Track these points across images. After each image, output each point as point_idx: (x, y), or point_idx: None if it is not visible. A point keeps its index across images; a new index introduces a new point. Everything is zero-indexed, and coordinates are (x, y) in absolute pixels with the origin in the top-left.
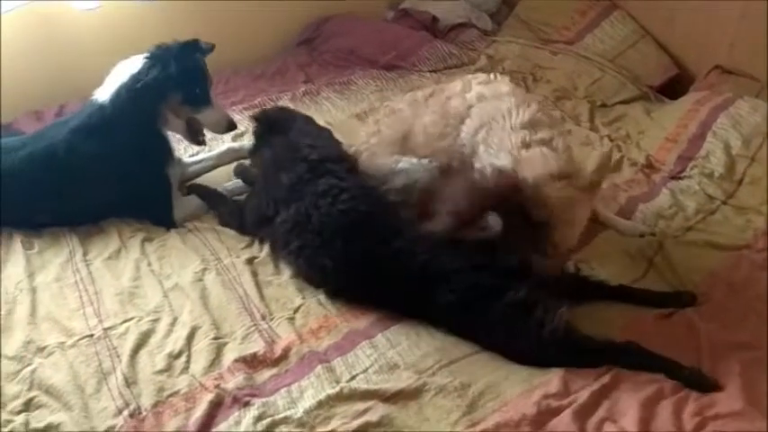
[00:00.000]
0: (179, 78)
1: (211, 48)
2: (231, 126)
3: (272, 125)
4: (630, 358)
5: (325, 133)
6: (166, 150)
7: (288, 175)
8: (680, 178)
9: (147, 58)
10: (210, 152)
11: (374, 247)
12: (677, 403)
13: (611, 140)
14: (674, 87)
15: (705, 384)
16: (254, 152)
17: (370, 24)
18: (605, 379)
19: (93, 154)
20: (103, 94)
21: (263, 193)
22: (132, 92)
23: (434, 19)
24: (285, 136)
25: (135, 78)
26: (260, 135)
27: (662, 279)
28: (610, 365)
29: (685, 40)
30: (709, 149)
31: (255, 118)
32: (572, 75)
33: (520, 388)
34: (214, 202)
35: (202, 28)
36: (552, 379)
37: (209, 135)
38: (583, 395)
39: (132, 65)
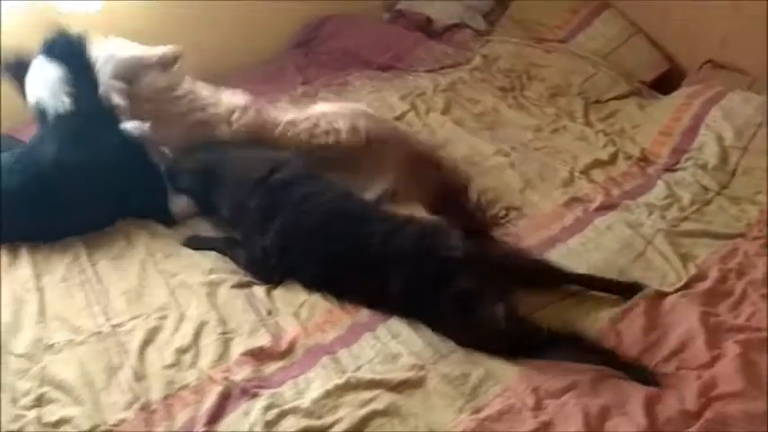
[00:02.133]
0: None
1: None
2: None
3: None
4: (574, 351)
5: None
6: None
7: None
8: (674, 170)
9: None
10: None
11: (348, 241)
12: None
13: (606, 135)
14: (666, 83)
15: (650, 381)
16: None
17: (367, 26)
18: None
19: (80, 164)
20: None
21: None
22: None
23: (429, 20)
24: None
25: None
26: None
27: (649, 268)
28: (553, 359)
29: (677, 35)
30: (703, 141)
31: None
32: (566, 72)
33: (518, 372)
34: (222, 248)
35: (201, 30)
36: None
37: None
38: (584, 379)
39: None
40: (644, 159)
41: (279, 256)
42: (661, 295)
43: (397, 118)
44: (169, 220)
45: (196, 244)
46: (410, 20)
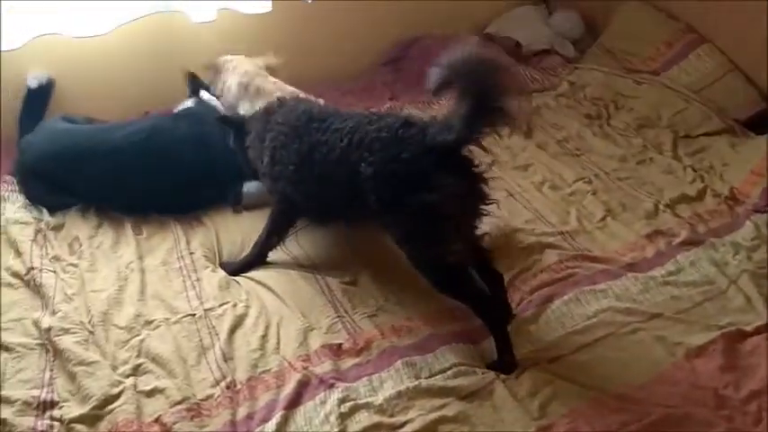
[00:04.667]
0: None
1: None
2: None
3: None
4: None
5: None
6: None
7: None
8: (764, 212)
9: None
10: None
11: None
12: None
13: (695, 171)
14: (761, 122)
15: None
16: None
17: (456, 47)
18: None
19: (185, 135)
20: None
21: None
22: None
23: (518, 44)
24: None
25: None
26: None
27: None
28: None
29: None
30: None
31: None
32: (656, 104)
33: (586, 396)
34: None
35: (296, 41)
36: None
37: None
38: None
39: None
40: (733, 198)
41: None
42: (742, 335)
43: None
44: (240, 204)
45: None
46: (498, 44)
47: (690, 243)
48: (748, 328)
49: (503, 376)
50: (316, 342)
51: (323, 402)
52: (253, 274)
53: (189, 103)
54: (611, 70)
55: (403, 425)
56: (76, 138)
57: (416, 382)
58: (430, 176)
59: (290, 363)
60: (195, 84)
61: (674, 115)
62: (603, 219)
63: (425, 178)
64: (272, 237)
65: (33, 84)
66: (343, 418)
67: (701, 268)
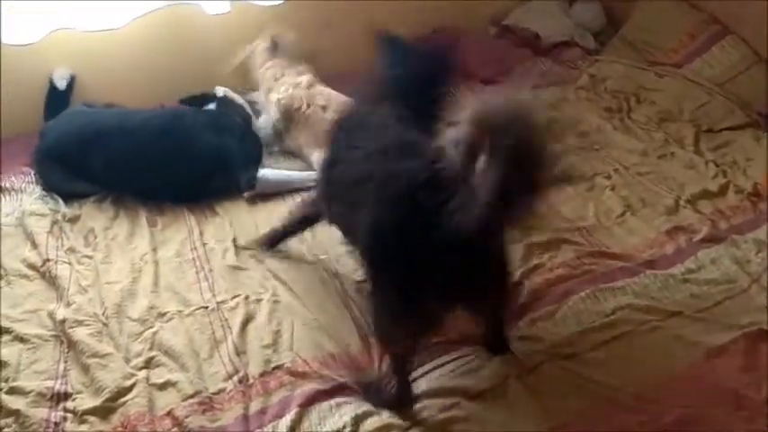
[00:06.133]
0: None
1: None
2: None
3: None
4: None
5: None
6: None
7: None
8: None
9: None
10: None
11: None
12: None
13: (717, 166)
14: None
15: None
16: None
17: (472, 39)
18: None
19: (204, 121)
20: None
21: None
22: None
23: (537, 36)
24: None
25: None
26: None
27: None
28: None
29: None
30: None
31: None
32: (678, 98)
33: (601, 397)
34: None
35: (310, 34)
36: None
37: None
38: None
39: None
40: (756, 194)
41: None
42: (764, 335)
43: None
44: (249, 184)
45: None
46: (517, 35)
47: (711, 240)
48: None
49: (512, 377)
50: (328, 344)
51: (339, 405)
52: (266, 265)
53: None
54: (633, 62)
55: (411, 426)
56: (95, 119)
57: (425, 385)
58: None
59: (304, 360)
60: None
61: (697, 109)
62: (622, 214)
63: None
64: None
65: (62, 84)
66: (357, 420)
67: (721, 266)
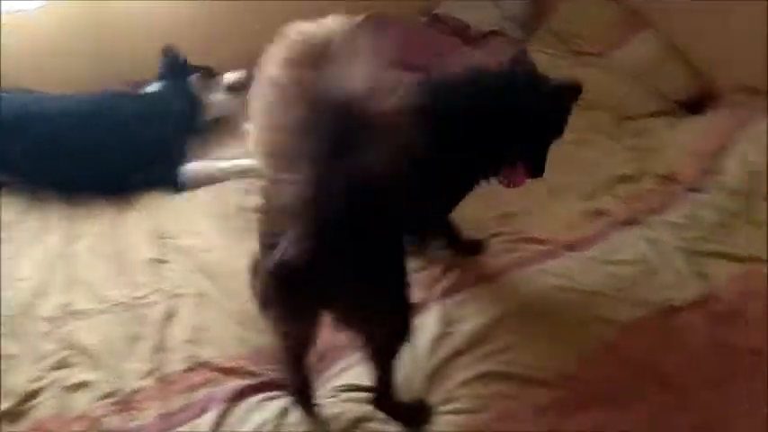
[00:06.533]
0: None
1: None
2: None
3: None
4: None
5: None
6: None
7: None
8: (700, 191)
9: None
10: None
11: None
12: None
13: (634, 152)
14: (700, 104)
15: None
16: None
17: (402, 28)
18: None
19: (129, 113)
20: None
21: None
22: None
23: (467, 26)
24: None
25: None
26: None
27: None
28: None
29: (714, 57)
30: (731, 165)
31: None
32: (598, 87)
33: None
34: None
35: (222, 26)
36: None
37: None
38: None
39: None
40: (670, 178)
41: None
42: (674, 310)
43: None
44: (177, 186)
45: None
46: (447, 24)
47: (627, 222)
48: (681, 304)
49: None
50: (256, 338)
51: (265, 400)
52: (190, 257)
53: (155, 86)
54: (556, 52)
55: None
56: (12, 104)
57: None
58: None
59: (229, 356)
60: (171, 63)
61: (616, 98)
62: (543, 200)
63: None
64: None
65: None
66: (281, 414)
67: (636, 247)
